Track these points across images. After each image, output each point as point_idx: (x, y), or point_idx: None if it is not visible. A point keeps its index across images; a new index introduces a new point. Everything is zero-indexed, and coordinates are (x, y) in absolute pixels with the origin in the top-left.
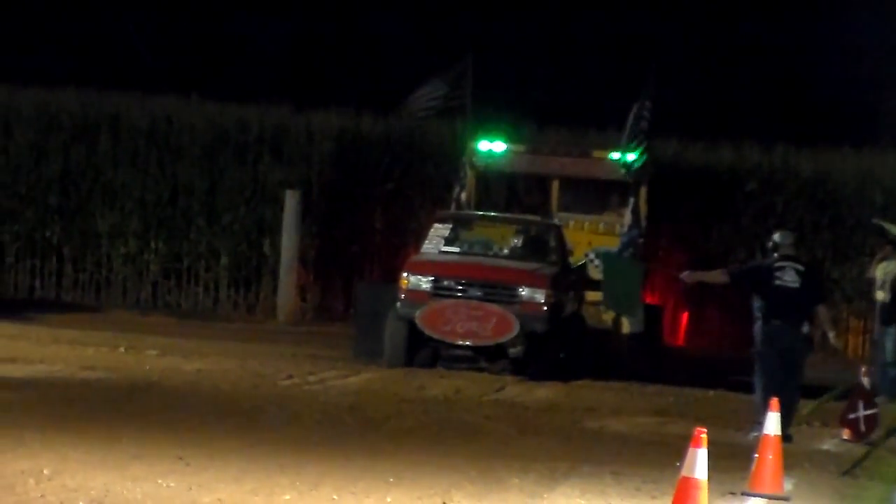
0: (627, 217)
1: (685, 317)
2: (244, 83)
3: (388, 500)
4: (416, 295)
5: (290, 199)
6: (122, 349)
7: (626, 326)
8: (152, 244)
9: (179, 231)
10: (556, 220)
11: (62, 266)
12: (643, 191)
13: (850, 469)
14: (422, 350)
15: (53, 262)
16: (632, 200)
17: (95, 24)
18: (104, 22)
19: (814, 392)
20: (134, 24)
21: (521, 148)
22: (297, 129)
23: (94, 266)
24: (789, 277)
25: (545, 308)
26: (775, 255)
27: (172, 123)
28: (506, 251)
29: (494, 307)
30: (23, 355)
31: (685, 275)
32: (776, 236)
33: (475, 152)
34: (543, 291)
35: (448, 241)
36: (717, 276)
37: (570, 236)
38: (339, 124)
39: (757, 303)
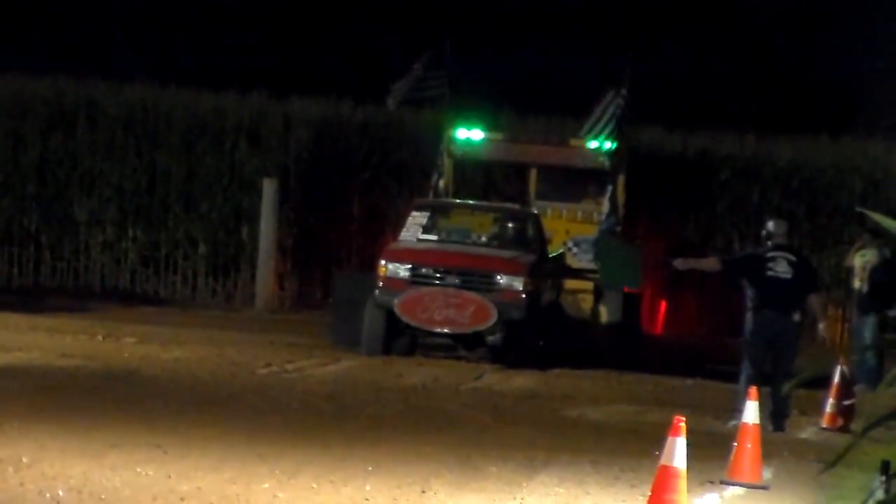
0: (605, 205)
1: (663, 305)
2: (221, 71)
3: (367, 488)
4: (393, 282)
5: (268, 187)
6: (100, 337)
7: (604, 316)
8: (130, 232)
9: (157, 219)
10: (533, 209)
11: (40, 254)
12: (621, 179)
13: (834, 463)
14: (399, 338)
15: (31, 249)
16: (609, 188)
17: (72, 12)
18: (80, 9)
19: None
20: (111, 11)
21: (498, 136)
22: (274, 116)
23: (72, 254)
24: (781, 268)
25: (523, 295)
26: (768, 243)
27: (149, 111)
28: (484, 239)
29: (472, 295)
30: (0, 343)
31: (678, 262)
32: (769, 225)
33: (453, 140)
34: (521, 279)
35: (426, 229)
36: (711, 264)
37: (548, 224)
38: (317, 112)
39: (749, 292)
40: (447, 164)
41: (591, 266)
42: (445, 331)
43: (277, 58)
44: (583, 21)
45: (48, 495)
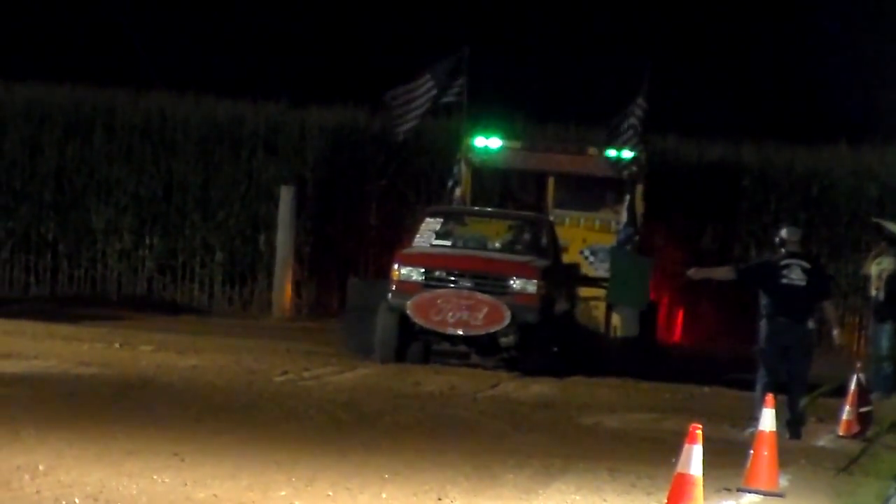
0: (624, 215)
1: (681, 313)
2: (238, 79)
3: (384, 496)
4: (407, 286)
5: (286, 195)
6: (117, 345)
7: (617, 324)
8: (147, 240)
9: (174, 227)
10: (550, 217)
11: (57, 262)
12: (639, 188)
13: (847, 467)
14: (413, 344)
15: (48, 258)
16: (627, 198)
17: (89, 20)
18: (98, 17)
19: (812, 389)
20: (128, 19)
21: (516, 144)
22: (291, 124)
23: (89, 262)
24: (795, 275)
25: (537, 299)
26: (782, 251)
27: (167, 119)
28: (497, 245)
29: (486, 297)
30: (18, 351)
31: (692, 271)
32: (783, 232)
33: (471, 148)
34: (535, 282)
35: (439, 235)
36: (724, 273)
37: (566, 233)
38: (334, 120)
39: (763, 300)
40: (465, 172)
41: (605, 276)
42: (459, 332)
43: (294, 66)
44: (602, 27)
45: (64, 503)
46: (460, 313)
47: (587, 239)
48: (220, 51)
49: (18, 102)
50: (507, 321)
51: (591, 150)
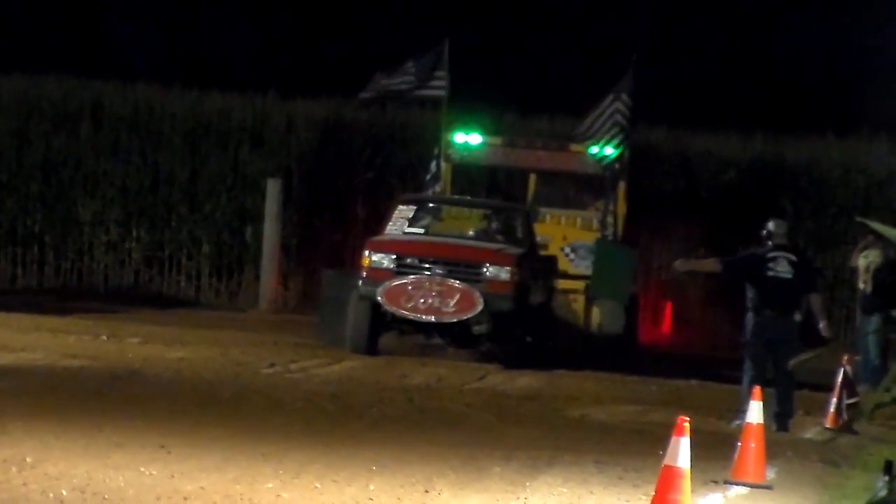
0: (610, 213)
1: (668, 306)
2: (225, 71)
3: (371, 487)
4: (378, 273)
5: (272, 188)
6: (104, 337)
7: (596, 318)
8: (134, 232)
9: (161, 219)
10: (522, 206)
11: (44, 254)
12: (622, 186)
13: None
14: (386, 335)
15: (35, 250)
16: (607, 200)
17: (77, 12)
18: (86, 9)
19: (799, 385)
20: (115, 12)
21: (497, 140)
22: (278, 117)
23: (76, 254)
24: (782, 268)
25: (510, 286)
26: (769, 244)
27: (154, 112)
28: (471, 233)
29: (458, 283)
30: (4, 343)
31: (678, 263)
32: (770, 225)
33: (450, 144)
34: (508, 269)
35: (412, 223)
36: (710, 265)
37: (546, 230)
38: (321, 112)
39: (749, 293)
40: (445, 168)
41: (586, 273)
42: (430, 319)
43: (281, 58)
44: (586, 19)
45: (51, 495)
46: (431, 300)
47: (568, 236)
48: (207, 43)
49: (5, 94)
50: (479, 308)
51: (573, 147)
